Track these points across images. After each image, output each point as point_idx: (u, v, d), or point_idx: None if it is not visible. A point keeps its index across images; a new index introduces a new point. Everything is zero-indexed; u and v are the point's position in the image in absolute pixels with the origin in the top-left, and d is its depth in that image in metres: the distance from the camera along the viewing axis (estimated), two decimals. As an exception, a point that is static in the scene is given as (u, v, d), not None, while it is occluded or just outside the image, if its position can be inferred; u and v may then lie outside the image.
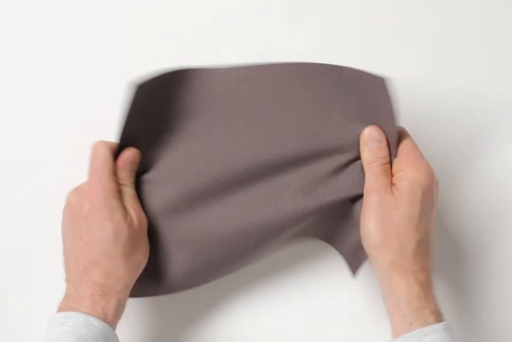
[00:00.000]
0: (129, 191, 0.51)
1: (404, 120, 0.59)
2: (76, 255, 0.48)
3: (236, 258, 0.52)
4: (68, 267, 0.49)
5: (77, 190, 0.50)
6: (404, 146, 0.50)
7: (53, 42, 0.60)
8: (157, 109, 0.53)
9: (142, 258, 0.50)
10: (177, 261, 0.52)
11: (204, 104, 0.53)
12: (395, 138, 0.50)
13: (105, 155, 0.50)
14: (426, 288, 0.47)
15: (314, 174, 0.51)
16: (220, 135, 0.53)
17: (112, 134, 0.58)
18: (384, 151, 0.50)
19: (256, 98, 0.53)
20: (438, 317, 0.47)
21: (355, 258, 0.53)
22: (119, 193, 0.50)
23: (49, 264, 0.58)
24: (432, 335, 0.45)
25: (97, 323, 0.46)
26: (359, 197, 0.51)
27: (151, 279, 0.53)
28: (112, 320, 0.47)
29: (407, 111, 0.60)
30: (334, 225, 0.54)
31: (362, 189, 0.50)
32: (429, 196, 0.48)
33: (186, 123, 0.53)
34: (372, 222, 0.48)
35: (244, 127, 0.53)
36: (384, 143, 0.50)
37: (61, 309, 0.48)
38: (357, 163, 0.51)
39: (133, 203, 0.50)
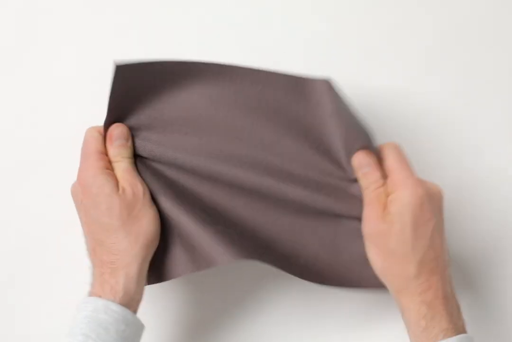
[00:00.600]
0: (121, 166, 0.50)
1: (402, 122, 0.60)
2: (88, 241, 0.50)
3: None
4: (88, 254, 0.50)
5: (75, 182, 0.51)
6: (392, 166, 0.50)
7: (54, 42, 0.60)
8: (153, 95, 0.52)
9: (145, 227, 0.48)
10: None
11: (211, 101, 0.53)
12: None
13: (92, 138, 0.50)
14: (435, 306, 0.47)
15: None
16: (220, 141, 0.53)
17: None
18: (374, 175, 0.50)
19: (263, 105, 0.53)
20: (450, 332, 0.47)
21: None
22: (111, 170, 0.50)
23: (50, 263, 0.58)
24: None
25: (116, 308, 0.45)
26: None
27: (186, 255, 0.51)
28: (123, 297, 0.46)
29: (406, 114, 0.60)
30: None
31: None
32: (422, 213, 0.48)
33: (189, 112, 0.53)
34: (372, 251, 0.50)
35: (250, 132, 0.53)
36: (373, 166, 0.50)
37: (85, 296, 0.47)
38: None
39: (125, 175, 0.49)
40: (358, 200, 0.52)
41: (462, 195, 0.60)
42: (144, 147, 0.52)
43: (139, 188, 0.49)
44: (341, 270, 0.53)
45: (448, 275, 0.49)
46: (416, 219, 0.48)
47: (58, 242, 0.58)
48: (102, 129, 0.51)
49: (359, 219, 0.51)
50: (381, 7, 0.62)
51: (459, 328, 0.48)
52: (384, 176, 0.50)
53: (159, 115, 0.52)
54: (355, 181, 0.52)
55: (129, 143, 0.51)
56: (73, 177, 0.56)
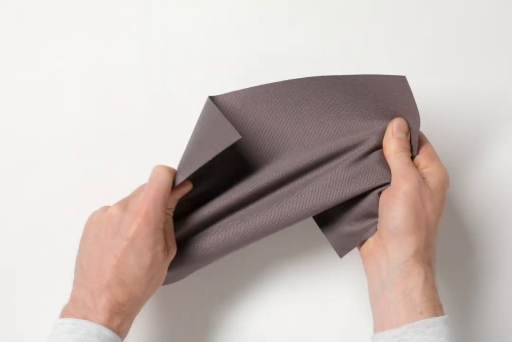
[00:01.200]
0: (170, 221, 0.50)
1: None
2: (103, 269, 0.48)
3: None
4: (88, 275, 0.48)
5: (125, 206, 0.49)
6: (425, 148, 0.52)
7: (54, 41, 0.60)
8: None
9: (157, 284, 0.50)
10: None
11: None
12: (417, 137, 0.51)
13: (167, 183, 0.48)
14: (435, 279, 0.49)
15: (335, 170, 0.52)
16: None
17: (113, 134, 0.59)
18: (408, 145, 0.52)
19: (275, 116, 0.54)
20: (441, 309, 0.48)
21: (346, 242, 0.53)
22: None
23: (49, 263, 0.58)
24: (434, 327, 0.46)
25: (109, 335, 0.46)
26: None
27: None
28: (122, 335, 0.48)
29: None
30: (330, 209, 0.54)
31: (380, 176, 0.51)
32: (445, 192, 0.51)
33: None
34: (406, 206, 0.48)
35: (266, 146, 0.54)
36: (409, 137, 0.52)
37: (70, 314, 0.47)
38: (375, 153, 0.52)
39: (171, 235, 0.50)
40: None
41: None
42: None
43: (175, 251, 0.50)
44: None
45: (435, 241, 0.51)
46: (445, 195, 0.50)
47: (58, 242, 0.58)
48: (173, 172, 0.50)
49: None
50: (380, 7, 0.62)
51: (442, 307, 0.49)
52: None
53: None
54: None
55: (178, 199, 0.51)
56: (73, 177, 0.56)
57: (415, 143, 0.52)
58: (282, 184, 0.53)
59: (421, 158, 0.51)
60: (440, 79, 0.61)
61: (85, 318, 0.46)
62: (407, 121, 0.52)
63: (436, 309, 0.47)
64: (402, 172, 0.50)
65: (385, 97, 0.51)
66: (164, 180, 0.48)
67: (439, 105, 0.61)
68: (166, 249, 0.49)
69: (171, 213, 0.51)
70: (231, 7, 0.61)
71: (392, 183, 0.50)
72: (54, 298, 0.57)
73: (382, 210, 0.50)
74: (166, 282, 0.53)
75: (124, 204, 0.49)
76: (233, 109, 0.54)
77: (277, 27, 0.61)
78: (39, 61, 0.60)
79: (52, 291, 0.58)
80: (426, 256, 0.49)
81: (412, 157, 0.52)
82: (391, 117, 0.52)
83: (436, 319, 0.46)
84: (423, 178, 0.50)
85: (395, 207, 0.49)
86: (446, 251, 0.59)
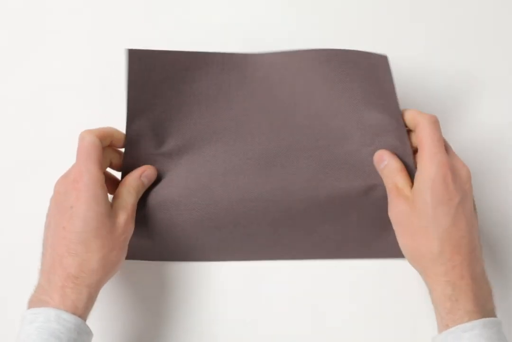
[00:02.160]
0: (131, 199, 0.51)
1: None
2: (54, 243, 0.48)
3: (250, 239, 0.54)
4: (44, 257, 0.49)
5: (64, 179, 0.50)
6: (424, 140, 0.49)
7: (54, 41, 0.61)
8: (168, 86, 0.54)
9: (116, 260, 0.50)
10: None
11: (220, 89, 0.55)
12: (399, 115, 0.51)
13: (92, 143, 0.50)
14: (461, 287, 0.47)
15: (327, 158, 0.54)
16: (235, 119, 0.55)
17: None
18: (392, 166, 0.51)
19: (270, 85, 0.55)
20: (476, 315, 0.46)
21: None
22: (108, 187, 0.50)
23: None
24: (472, 332, 0.45)
25: (68, 317, 0.45)
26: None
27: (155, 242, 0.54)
28: (82, 312, 0.47)
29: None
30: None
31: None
32: (444, 191, 0.48)
33: (201, 103, 0.55)
34: (399, 233, 0.50)
35: (257, 112, 0.55)
36: (387, 160, 0.52)
37: (32, 302, 0.47)
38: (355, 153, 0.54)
39: (130, 209, 0.51)
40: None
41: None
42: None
43: (131, 226, 0.51)
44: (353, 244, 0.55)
45: (477, 256, 0.48)
46: (437, 196, 0.47)
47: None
48: (99, 133, 0.51)
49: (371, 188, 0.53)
50: (384, 7, 0.62)
51: (487, 312, 0.47)
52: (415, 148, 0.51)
53: (175, 109, 0.54)
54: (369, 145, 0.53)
55: (147, 185, 0.53)
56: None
57: (401, 128, 0.51)
58: (271, 160, 0.54)
59: (417, 158, 0.51)
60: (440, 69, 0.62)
61: (42, 302, 0.46)
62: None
63: (466, 316, 0.46)
64: (388, 200, 0.52)
65: (372, 77, 0.52)
66: (88, 140, 0.49)
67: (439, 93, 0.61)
68: (117, 218, 0.49)
69: (134, 192, 0.51)
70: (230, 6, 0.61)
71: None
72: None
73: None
74: (140, 256, 0.54)
75: (64, 177, 0.50)
76: (227, 71, 0.55)
77: (277, 23, 0.63)
78: (39, 61, 0.60)
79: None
80: (436, 268, 0.48)
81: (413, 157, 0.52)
82: (374, 101, 0.52)
83: (475, 322, 0.45)
84: (415, 182, 0.49)
85: (396, 235, 0.51)
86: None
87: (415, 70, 0.61)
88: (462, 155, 0.51)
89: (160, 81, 0.53)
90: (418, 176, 0.49)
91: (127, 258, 0.52)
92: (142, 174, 0.53)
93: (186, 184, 0.53)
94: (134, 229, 0.51)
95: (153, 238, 0.54)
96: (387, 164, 0.52)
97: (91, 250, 0.47)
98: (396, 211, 0.50)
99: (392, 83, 0.50)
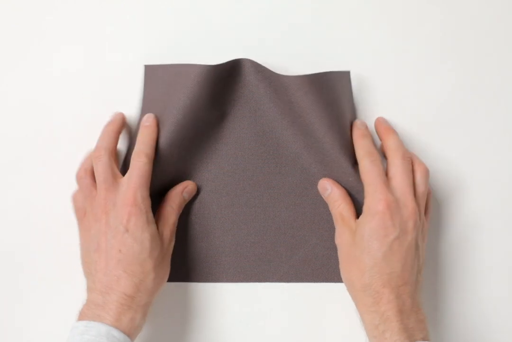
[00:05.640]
0: (173, 217, 0.54)
1: (403, 118, 0.59)
2: (109, 265, 0.49)
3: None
4: (96, 277, 0.50)
5: (114, 204, 0.51)
6: (366, 175, 0.52)
7: (54, 40, 0.60)
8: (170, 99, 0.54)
9: (165, 274, 0.52)
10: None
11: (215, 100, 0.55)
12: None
13: (148, 169, 0.51)
14: (388, 318, 0.48)
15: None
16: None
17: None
18: (335, 195, 0.54)
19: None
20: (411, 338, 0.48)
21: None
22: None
23: (48, 263, 0.57)
24: None
25: (118, 335, 0.47)
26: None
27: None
28: (133, 332, 0.48)
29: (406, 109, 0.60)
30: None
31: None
32: (382, 225, 0.50)
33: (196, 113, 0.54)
34: (341, 261, 0.53)
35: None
36: (330, 190, 0.55)
37: (84, 315, 0.48)
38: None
39: (173, 226, 0.53)
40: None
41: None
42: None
43: (173, 243, 0.54)
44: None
45: (408, 289, 0.49)
46: (373, 231, 0.50)
47: (56, 242, 0.57)
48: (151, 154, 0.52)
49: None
50: (385, 6, 0.62)
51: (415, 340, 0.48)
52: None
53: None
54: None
55: (188, 200, 0.56)
56: (73, 175, 0.55)
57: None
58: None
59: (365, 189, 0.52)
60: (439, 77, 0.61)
61: (96, 316, 0.47)
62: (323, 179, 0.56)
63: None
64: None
65: (332, 91, 0.54)
66: (146, 167, 0.51)
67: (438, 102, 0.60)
68: (161, 233, 0.52)
69: (177, 209, 0.54)
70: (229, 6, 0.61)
71: None
72: (54, 296, 0.57)
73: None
74: (178, 278, 0.55)
75: (113, 201, 0.51)
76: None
77: (276, 28, 0.61)
78: (38, 59, 0.60)
79: (50, 289, 0.57)
80: (365, 296, 0.49)
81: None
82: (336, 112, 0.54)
83: None
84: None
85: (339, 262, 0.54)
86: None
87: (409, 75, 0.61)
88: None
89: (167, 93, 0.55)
90: (363, 209, 0.51)
91: None
92: (184, 189, 0.55)
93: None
94: None
95: None
96: (330, 193, 0.54)
97: (147, 270, 0.50)
98: (340, 240, 0.53)
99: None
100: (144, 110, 0.57)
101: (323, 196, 0.56)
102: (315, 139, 0.54)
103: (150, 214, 0.51)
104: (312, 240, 0.56)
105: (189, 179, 0.56)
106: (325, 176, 0.55)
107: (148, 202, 0.51)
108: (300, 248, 0.56)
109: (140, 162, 0.51)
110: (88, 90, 0.60)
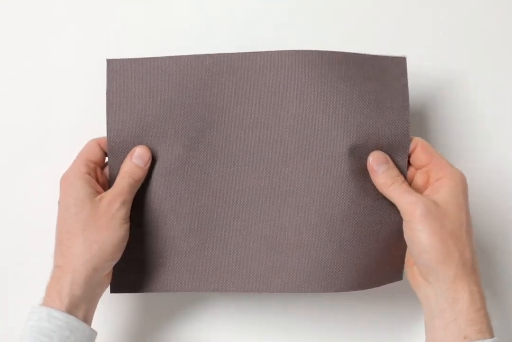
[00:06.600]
0: (122, 183, 0.50)
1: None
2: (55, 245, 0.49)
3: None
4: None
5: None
6: (431, 155, 0.50)
7: (54, 40, 0.61)
8: (149, 94, 0.52)
9: (105, 238, 0.48)
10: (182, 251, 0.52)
11: (209, 94, 0.53)
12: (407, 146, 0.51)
13: (88, 146, 0.52)
14: (483, 301, 0.47)
15: (316, 170, 0.51)
16: (219, 120, 0.53)
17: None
18: (395, 170, 0.50)
19: (259, 86, 0.52)
20: (491, 332, 0.46)
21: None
22: (93, 176, 0.51)
23: (48, 263, 0.57)
24: None
25: (59, 316, 0.46)
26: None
27: (148, 274, 0.52)
28: (69, 304, 0.46)
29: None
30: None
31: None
32: (466, 197, 0.49)
33: (186, 106, 0.52)
34: (426, 236, 0.47)
35: (242, 113, 0.52)
36: (391, 163, 0.50)
37: (42, 301, 0.48)
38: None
39: (116, 191, 0.50)
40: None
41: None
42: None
43: (117, 206, 0.49)
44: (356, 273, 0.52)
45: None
46: (466, 201, 0.49)
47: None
48: (102, 141, 0.52)
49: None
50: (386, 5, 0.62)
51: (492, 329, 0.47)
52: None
53: (158, 117, 0.52)
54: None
55: (146, 168, 0.51)
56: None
57: (404, 156, 0.51)
58: (259, 165, 0.52)
59: (430, 170, 0.50)
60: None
61: (42, 299, 0.47)
62: (376, 151, 0.51)
63: (484, 332, 0.45)
64: (405, 203, 0.48)
65: (377, 77, 0.51)
66: (86, 144, 0.52)
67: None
68: (100, 198, 0.49)
69: (128, 177, 0.50)
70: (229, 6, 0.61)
71: (403, 217, 0.49)
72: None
73: (409, 247, 0.50)
74: (128, 288, 0.53)
75: None
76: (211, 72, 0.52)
77: (277, 21, 0.61)
78: (39, 59, 0.60)
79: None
80: (468, 275, 0.47)
81: (409, 161, 0.51)
82: (374, 101, 0.51)
83: (489, 341, 0.45)
84: (435, 194, 0.49)
85: (418, 240, 0.48)
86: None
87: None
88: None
89: (141, 90, 0.52)
90: (442, 183, 0.49)
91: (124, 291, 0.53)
92: (132, 155, 0.51)
93: (175, 190, 0.52)
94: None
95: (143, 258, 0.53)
96: (389, 167, 0.50)
97: (73, 235, 0.48)
98: (429, 212, 0.47)
99: (400, 83, 0.50)
100: (111, 113, 0.52)
101: (378, 171, 0.50)
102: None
103: (79, 181, 0.49)
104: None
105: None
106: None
107: (78, 172, 0.50)
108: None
109: (86, 145, 0.52)
110: (88, 90, 0.60)
